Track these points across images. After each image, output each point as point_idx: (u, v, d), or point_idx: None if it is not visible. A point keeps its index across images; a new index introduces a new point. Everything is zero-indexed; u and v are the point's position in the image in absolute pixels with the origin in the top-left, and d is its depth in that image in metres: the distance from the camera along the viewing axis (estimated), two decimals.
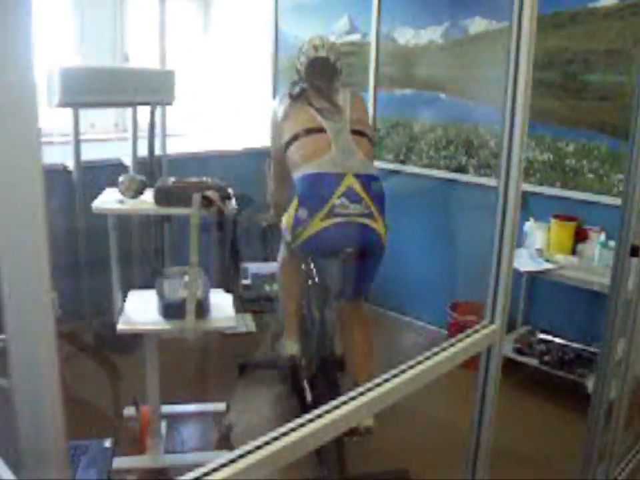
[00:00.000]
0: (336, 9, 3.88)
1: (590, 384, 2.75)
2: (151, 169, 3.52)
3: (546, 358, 2.92)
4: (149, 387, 2.29)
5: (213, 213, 1.98)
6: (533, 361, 2.95)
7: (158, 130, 3.61)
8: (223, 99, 4.64)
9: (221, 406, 2.61)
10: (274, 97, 4.40)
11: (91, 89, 2.99)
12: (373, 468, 2.38)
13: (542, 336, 3.12)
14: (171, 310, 2.12)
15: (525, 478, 2.29)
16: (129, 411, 2.50)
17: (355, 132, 2.12)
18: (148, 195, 2.11)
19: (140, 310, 2.22)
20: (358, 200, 1.99)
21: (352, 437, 2.24)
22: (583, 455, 2.14)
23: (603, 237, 2.82)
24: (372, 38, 3.46)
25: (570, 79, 2.91)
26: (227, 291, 2.28)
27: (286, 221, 2.15)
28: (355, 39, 3.79)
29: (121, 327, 2.07)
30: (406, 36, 3.54)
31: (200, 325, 2.08)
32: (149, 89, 3.19)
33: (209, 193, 1.97)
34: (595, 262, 2.85)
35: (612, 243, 2.81)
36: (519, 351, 3.02)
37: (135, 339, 3.35)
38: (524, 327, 3.27)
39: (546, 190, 3.09)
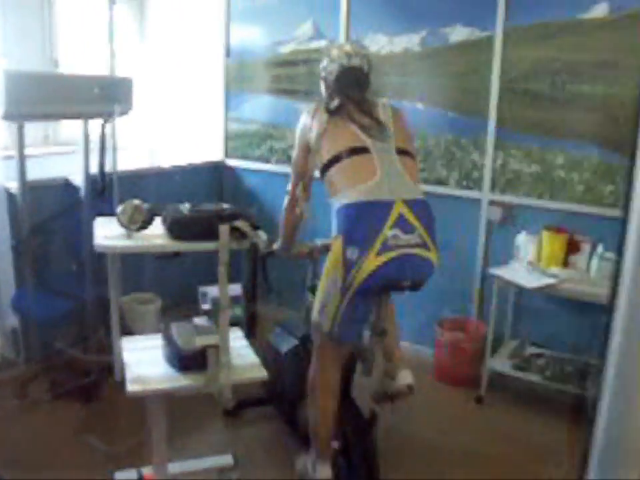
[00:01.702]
0: (298, 12, 3.65)
1: None
2: (102, 188, 3.12)
3: (547, 373, 2.87)
4: (155, 449, 1.95)
5: (245, 247, 1.69)
6: (534, 377, 2.89)
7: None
8: (163, 109, 4.26)
9: (227, 459, 2.29)
10: (226, 107, 4.08)
11: (44, 99, 2.56)
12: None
13: (534, 349, 3.08)
14: (188, 361, 1.81)
15: None
16: (124, 475, 2.13)
17: (401, 151, 1.90)
18: (157, 226, 1.78)
19: (144, 362, 1.88)
20: (411, 229, 1.78)
21: (395, 400, 2.05)
22: None
23: (600, 248, 2.80)
24: None
25: (558, 90, 2.89)
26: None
27: (322, 298, 1.89)
28: (319, 46, 3.58)
29: (132, 388, 1.72)
30: (379, 43, 3.38)
31: (226, 379, 1.78)
32: (107, 98, 2.79)
33: (239, 223, 1.69)
34: (591, 274, 2.84)
35: (608, 255, 2.80)
36: (517, 367, 2.95)
37: (99, 387, 2.95)
38: (512, 340, 3.22)
39: (534, 202, 3.06)
